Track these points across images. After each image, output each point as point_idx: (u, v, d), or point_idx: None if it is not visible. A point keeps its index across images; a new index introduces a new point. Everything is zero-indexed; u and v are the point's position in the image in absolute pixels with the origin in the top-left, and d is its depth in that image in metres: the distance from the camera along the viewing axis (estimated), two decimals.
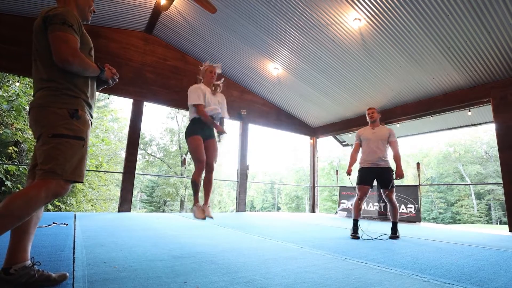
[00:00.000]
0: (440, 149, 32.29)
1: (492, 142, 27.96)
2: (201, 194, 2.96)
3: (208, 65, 3.10)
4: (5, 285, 1.25)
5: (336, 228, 4.60)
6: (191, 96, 2.91)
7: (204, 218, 2.73)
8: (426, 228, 5.15)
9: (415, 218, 6.26)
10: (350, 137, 9.62)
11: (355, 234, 3.50)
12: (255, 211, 42.77)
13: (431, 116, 6.71)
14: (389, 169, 3.66)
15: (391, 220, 3.69)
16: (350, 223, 5.97)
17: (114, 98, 17.37)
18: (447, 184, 30.40)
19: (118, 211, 6.23)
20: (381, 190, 3.73)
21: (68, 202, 9.48)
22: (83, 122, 1.39)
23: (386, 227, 4.91)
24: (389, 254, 2.48)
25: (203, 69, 3.11)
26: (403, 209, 6.57)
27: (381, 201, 7.06)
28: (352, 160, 3.92)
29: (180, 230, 3.56)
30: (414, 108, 6.78)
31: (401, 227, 5.06)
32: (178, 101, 7.25)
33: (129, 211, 6.31)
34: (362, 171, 3.77)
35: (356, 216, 3.65)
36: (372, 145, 3.70)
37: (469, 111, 6.31)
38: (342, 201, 8.18)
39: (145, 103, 6.86)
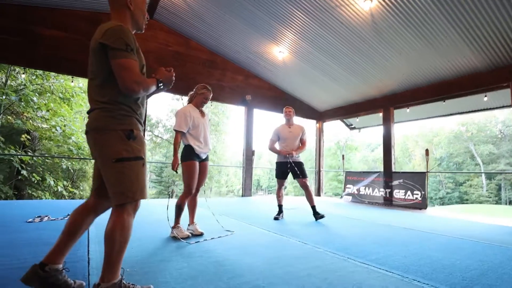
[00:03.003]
0: (452, 129, 31.64)
1: (508, 121, 27.19)
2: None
3: (207, 90, 3.08)
4: (35, 279, 1.39)
5: (341, 217, 4.65)
6: (176, 121, 2.88)
7: (188, 237, 2.79)
8: (431, 217, 5.16)
9: (421, 205, 6.27)
10: (358, 121, 9.47)
11: (277, 216, 4.16)
12: (261, 189, 43.48)
13: (444, 101, 6.50)
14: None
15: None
16: (355, 209, 6.05)
17: None
18: (456, 172, 30.04)
19: None
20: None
21: (81, 188, 9.81)
22: (139, 142, 1.46)
23: (389, 213, 5.04)
24: (391, 254, 2.52)
25: (199, 91, 3.07)
26: (409, 195, 6.58)
27: (386, 187, 7.07)
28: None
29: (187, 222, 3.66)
30: (425, 92, 6.57)
31: (406, 215, 5.10)
32: (181, 88, 7.15)
33: None
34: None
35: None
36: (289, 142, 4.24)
37: (485, 96, 6.07)
38: (348, 185, 8.21)
39: None
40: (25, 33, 5.43)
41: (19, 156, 7.07)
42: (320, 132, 9.68)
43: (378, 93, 7.42)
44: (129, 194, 1.39)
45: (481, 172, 28.25)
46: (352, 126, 10.41)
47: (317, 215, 4.01)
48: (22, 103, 7.33)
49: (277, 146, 4.39)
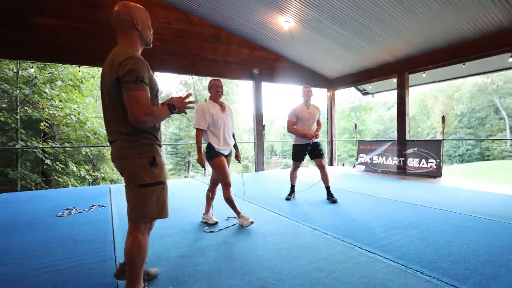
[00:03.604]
0: (475, 81, 29.82)
1: None
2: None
3: (214, 81, 3.04)
4: (124, 274, 1.72)
5: (352, 193, 4.73)
6: (195, 118, 2.94)
7: (252, 223, 2.95)
8: (445, 189, 5.15)
9: (436, 173, 6.23)
10: (371, 87, 9.13)
11: (288, 196, 4.24)
12: (275, 155, 44.01)
13: (464, 64, 6.10)
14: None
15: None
16: (367, 180, 6.09)
17: None
18: (472, 139, 28.77)
19: None
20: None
21: (102, 170, 10.34)
22: (160, 168, 1.57)
23: (401, 186, 4.94)
24: (398, 239, 2.60)
25: (209, 85, 3.06)
26: (423, 164, 6.51)
27: (400, 156, 7.00)
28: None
29: (201, 208, 3.86)
30: (443, 54, 6.16)
31: (419, 187, 5.10)
32: (187, 67, 7.07)
33: None
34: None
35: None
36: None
37: (511, 56, 5.63)
38: (361, 155, 8.18)
39: (155, 74, 6.78)
40: (22, 25, 5.38)
41: (41, 147, 7.50)
42: (331, 100, 9.46)
43: (392, 58, 7.03)
44: (148, 215, 1.56)
45: (506, 139, 26.99)
46: (365, 91, 10.07)
47: (331, 198, 4.05)
48: (36, 96, 7.54)
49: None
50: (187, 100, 1.65)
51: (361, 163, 8.06)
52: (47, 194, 5.31)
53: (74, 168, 8.14)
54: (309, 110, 4.09)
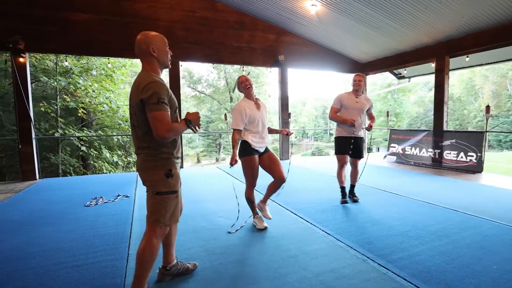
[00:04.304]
0: None
1: None
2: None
3: (240, 77, 2.95)
4: (166, 276, 2.02)
5: (378, 191, 4.48)
6: (232, 118, 2.90)
7: (265, 228, 2.91)
8: (485, 188, 4.69)
9: (476, 168, 5.68)
10: (406, 72, 8.41)
11: (344, 199, 3.78)
12: (307, 137, 43.29)
13: None
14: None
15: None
16: (398, 174, 5.74)
17: None
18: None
19: None
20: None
21: (134, 156, 10.91)
22: (175, 178, 1.79)
23: (436, 182, 4.50)
24: (418, 252, 2.41)
25: (237, 84, 2.98)
26: (461, 157, 5.96)
27: (436, 148, 6.46)
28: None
29: (218, 204, 3.91)
30: (490, 36, 5.43)
31: (456, 185, 4.67)
32: (211, 56, 7.01)
33: (182, 167, 7.00)
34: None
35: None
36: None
37: None
38: (392, 144, 7.70)
39: (180, 63, 6.82)
40: (55, 21, 5.65)
41: (76, 136, 8.07)
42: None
43: (431, 40, 6.35)
44: (162, 220, 1.75)
45: None
46: (401, 75, 9.33)
47: (353, 197, 3.86)
48: (71, 86, 8.02)
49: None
50: (198, 113, 1.86)
51: (392, 154, 7.60)
52: (81, 181, 5.73)
53: (108, 154, 8.71)
54: (357, 99, 3.69)
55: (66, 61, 7.82)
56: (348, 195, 3.89)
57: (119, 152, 9.90)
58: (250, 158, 2.84)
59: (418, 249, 2.42)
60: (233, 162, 2.72)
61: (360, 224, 3.02)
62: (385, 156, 7.84)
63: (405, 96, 31.46)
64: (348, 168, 3.83)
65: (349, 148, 3.71)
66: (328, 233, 2.79)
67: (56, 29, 5.66)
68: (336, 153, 3.80)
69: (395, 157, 7.47)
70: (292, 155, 8.13)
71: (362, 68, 8.66)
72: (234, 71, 23.53)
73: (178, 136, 1.87)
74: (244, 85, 2.90)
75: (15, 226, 3.18)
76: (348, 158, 3.78)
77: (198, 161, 26.79)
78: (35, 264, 2.30)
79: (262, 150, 2.97)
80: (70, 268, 2.24)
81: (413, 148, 7.04)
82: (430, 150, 6.63)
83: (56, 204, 4.02)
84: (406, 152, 7.20)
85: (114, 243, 2.67)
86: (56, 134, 8.15)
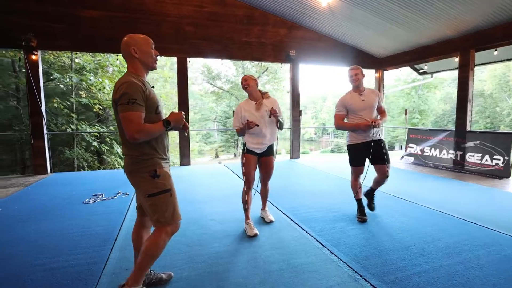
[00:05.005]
0: None
1: None
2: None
3: (242, 78, 2.91)
4: None
5: (389, 196, 4.16)
6: (233, 118, 2.98)
7: (255, 235, 2.75)
8: (511, 196, 4.23)
9: (503, 173, 5.17)
10: (427, 67, 7.84)
11: (362, 217, 3.15)
12: (327, 134, 42.35)
13: None
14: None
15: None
16: (415, 177, 5.34)
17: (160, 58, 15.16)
18: None
19: (180, 165, 6.95)
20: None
21: None
22: (163, 177, 1.74)
23: (457, 188, 4.03)
24: (419, 271, 2.13)
25: (241, 85, 2.92)
26: (486, 160, 5.45)
27: (458, 149, 5.96)
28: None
29: (213, 206, 3.78)
30: None
31: (479, 190, 4.24)
32: (220, 51, 6.86)
33: (189, 164, 6.95)
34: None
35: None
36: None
37: None
38: (410, 145, 7.23)
39: (188, 59, 6.73)
40: (68, 19, 5.71)
41: (88, 131, 8.29)
42: (380, 82, 8.42)
43: (454, 33, 5.82)
44: (162, 220, 1.73)
45: None
46: (422, 71, 8.73)
47: (371, 204, 3.30)
48: (83, 83, 8.20)
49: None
50: (181, 113, 1.77)
51: (410, 154, 7.14)
52: (89, 176, 5.81)
53: (119, 150, 8.87)
54: (363, 97, 3.03)
55: (77, 58, 7.99)
56: (367, 197, 3.29)
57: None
58: (246, 156, 2.89)
59: (421, 268, 2.14)
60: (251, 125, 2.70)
61: (360, 235, 2.76)
62: (402, 157, 7.38)
63: (430, 92, 29.80)
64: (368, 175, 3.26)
65: (366, 156, 3.07)
66: (322, 244, 2.56)
67: (66, 26, 5.73)
68: (350, 164, 3.19)
69: (412, 158, 7.01)
70: (311, 151, 7.88)
71: (379, 63, 8.18)
72: (252, 66, 23.34)
73: (165, 135, 1.84)
74: (242, 85, 2.88)
75: (11, 222, 3.21)
76: (364, 168, 3.16)
77: (217, 156, 27.00)
78: (14, 265, 2.27)
79: (259, 151, 2.91)
80: (47, 270, 2.18)
81: (433, 149, 6.56)
82: (452, 151, 6.13)
83: (57, 200, 4.06)
84: (425, 153, 6.73)
85: (99, 245, 2.61)
86: (69, 130, 8.38)
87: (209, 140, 28.48)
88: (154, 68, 1.84)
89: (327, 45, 7.66)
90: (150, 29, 6.16)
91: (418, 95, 28.74)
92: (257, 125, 2.72)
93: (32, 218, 3.31)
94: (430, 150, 6.62)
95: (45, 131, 5.95)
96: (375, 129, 2.96)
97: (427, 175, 5.64)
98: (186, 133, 1.90)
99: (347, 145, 3.19)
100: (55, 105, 7.89)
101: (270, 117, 2.83)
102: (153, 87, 1.80)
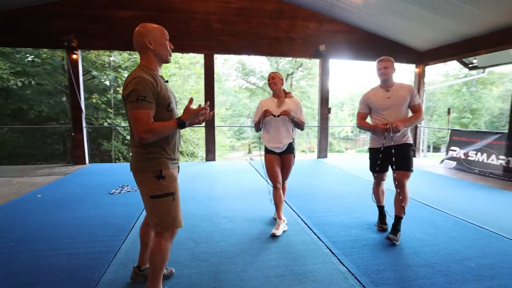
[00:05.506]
0: None
1: None
2: None
3: (269, 77, 2.92)
4: (138, 277, 1.97)
5: (418, 204, 3.79)
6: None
7: (272, 235, 2.70)
8: None
9: None
10: (476, 61, 7.01)
11: (382, 225, 2.91)
12: (364, 132, 40.39)
13: None
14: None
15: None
16: (455, 184, 4.82)
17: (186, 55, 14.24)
18: None
19: (206, 160, 7.08)
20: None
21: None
22: (169, 179, 1.65)
23: (496, 196, 3.52)
24: None
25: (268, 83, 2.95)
26: None
27: (510, 155, 5.26)
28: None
29: (229, 203, 3.75)
30: None
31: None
32: (247, 47, 6.80)
33: (214, 160, 7.05)
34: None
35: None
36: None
37: None
38: (453, 148, 6.55)
39: (215, 56, 6.78)
40: (103, 19, 6.05)
41: (123, 126, 8.80)
42: (420, 78, 7.75)
43: (511, 20, 5.09)
44: (162, 225, 1.66)
45: None
46: (472, 65, 7.84)
47: (395, 232, 2.60)
48: (119, 80, 8.72)
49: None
50: (199, 110, 1.66)
51: (451, 158, 6.48)
52: (121, 168, 6.16)
53: None
54: (389, 93, 2.65)
55: (112, 56, 8.51)
56: (392, 227, 2.68)
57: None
58: (266, 156, 2.97)
59: None
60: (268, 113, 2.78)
61: (376, 245, 2.53)
62: (442, 161, 6.73)
63: (486, 89, 26.80)
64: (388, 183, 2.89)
65: (385, 162, 2.71)
66: (332, 252, 2.40)
67: (103, 27, 6.08)
68: (370, 169, 2.88)
69: (454, 163, 6.35)
70: (347, 150, 7.60)
71: (420, 58, 7.51)
72: (287, 62, 23.01)
73: (177, 134, 1.73)
74: (269, 83, 2.89)
75: (46, 207, 3.51)
76: (386, 175, 2.84)
77: (249, 151, 27.26)
78: (38, 247, 2.46)
79: (278, 151, 2.90)
80: (63, 255, 2.33)
81: (479, 153, 5.87)
82: (502, 157, 5.43)
83: (88, 189, 4.35)
84: (470, 158, 6.05)
85: (114, 234, 2.72)
86: (105, 124, 9.00)
87: (242, 136, 28.81)
88: (167, 61, 1.73)
89: (360, 38, 7.21)
90: (178, 27, 6.31)
91: (470, 92, 26.10)
92: (274, 115, 2.76)
93: (63, 205, 3.58)
94: (476, 154, 5.93)
95: (84, 124, 6.42)
96: (395, 134, 2.56)
97: (470, 182, 5.06)
98: (203, 120, 1.75)
99: (369, 149, 2.89)
100: (94, 100, 8.51)
101: (278, 116, 2.79)
102: (166, 81, 1.71)
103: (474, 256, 2.35)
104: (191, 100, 1.66)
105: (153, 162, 1.61)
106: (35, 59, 9.14)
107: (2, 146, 10.26)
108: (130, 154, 1.72)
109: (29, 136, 10.17)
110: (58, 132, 9.72)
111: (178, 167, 1.81)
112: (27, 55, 9.25)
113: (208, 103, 1.74)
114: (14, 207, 3.52)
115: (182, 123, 1.60)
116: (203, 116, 1.70)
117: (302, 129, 2.94)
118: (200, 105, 1.68)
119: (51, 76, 9.16)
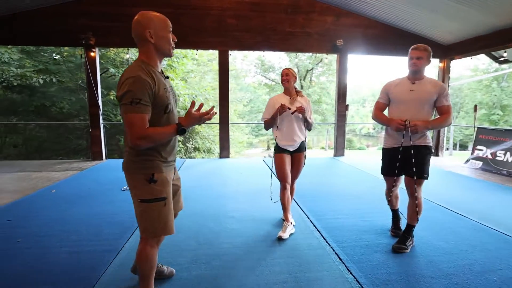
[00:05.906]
0: None
1: None
2: None
3: (281, 73, 2.85)
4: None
5: (439, 208, 3.56)
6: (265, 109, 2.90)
7: (279, 238, 2.60)
8: None
9: None
10: (506, 55, 6.50)
11: (395, 230, 2.73)
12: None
13: None
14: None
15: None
16: (480, 186, 4.50)
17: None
18: None
19: (220, 157, 7.07)
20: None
21: (192, 142, 11.57)
22: (161, 184, 1.55)
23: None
24: None
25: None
26: None
27: None
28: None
29: (238, 201, 3.69)
30: None
31: None
32: (261, 43, 6.68)
33: (228, 157, 7.02)
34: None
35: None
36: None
37: None
38: (479, 147, 6.15)
39: (230, 52, 6.71)
40: (120, 17, 6.12)
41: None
42: (444, 73, 7.31)
43: None
44: (151, 230, 1.57)
45: None
46: (503, 59, 7.29)
47: (403, 241, 2.42)
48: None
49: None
50: (202, 115, 1.54)
51: (477, 158, 6.08)
52: None
53: None
54: (414, 86, 2.35)
55: (128, 54, 8.66)
56: (402, 234, 2.51)
57: (179, 137, 10.64)
58: (278, 156, 2.84)
59: None
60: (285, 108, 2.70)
61: (388, 253, 2.37)
62: (467, 161, 6.33)
63: None
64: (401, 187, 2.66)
65: (397, 164, 2.42)
66: (340, 258, 2.27)
67: (119, 24, 6.15)
68: (381, 172, 2.63)
69: (481, 163, 5.95)
70: (368, 148, 7.35)
71: (444, 51, 7.08)
72: (306, 58, 22.60)
73: (174, 137, 1.60)
74: (282, 79, 2.83)
75: (60, 202, 3.60)
76: (400, 180, 2.60)
77: (268, 148, 27.21)
78: (45, 243, 2.51)
79: (291, 149, 2.84)
80: (67, 253, 2.35)
81: (508, 153, 5.46)
82: None
83: (101, 185, 4.44)
84: (498, 158, 5.64)
85: (120, 233, 2.73)
86: (122, 120, 9.18)
87: (261, 132, 28.77)
88: (170, 56, 1.59)
89: (379, 32, 6.88)
90: (193, 24, 6.29)
91: (501, 87, 24.53)
92: (289, 108, 2.68)
93: (75, 201, 3.66)
94: (505, 154, 5.53)
95: (101, 121, 6.58)
96: (413, 135, 2.29)
97: (498, 185, 4.71)
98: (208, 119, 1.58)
99: (382, 149, 2.61)
100: (112, 97, 8.73)
101: (293, 113, 2.71)
102: (167, 77, 1.59)
103: (497, 268, 2.15)
104: (193, 104, 1.52)
105: (145, 164, 1.51)
106: (57, 56, 9.48)
107: (30, 141, 10.78)
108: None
109: (53, 132, 10.61)
110: (79, 128, 10.07)
111: (175, 168, 1.73)
112: (53, 54, 9.62)
113: (213, 107, 1.63)
114: (29, 202, 3.64)
115: (181, 130, 1.46)
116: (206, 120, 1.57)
117: (310, 129, 2.94)
118: (201, 105, 1.57)
119: (72, 74, 9.47)
